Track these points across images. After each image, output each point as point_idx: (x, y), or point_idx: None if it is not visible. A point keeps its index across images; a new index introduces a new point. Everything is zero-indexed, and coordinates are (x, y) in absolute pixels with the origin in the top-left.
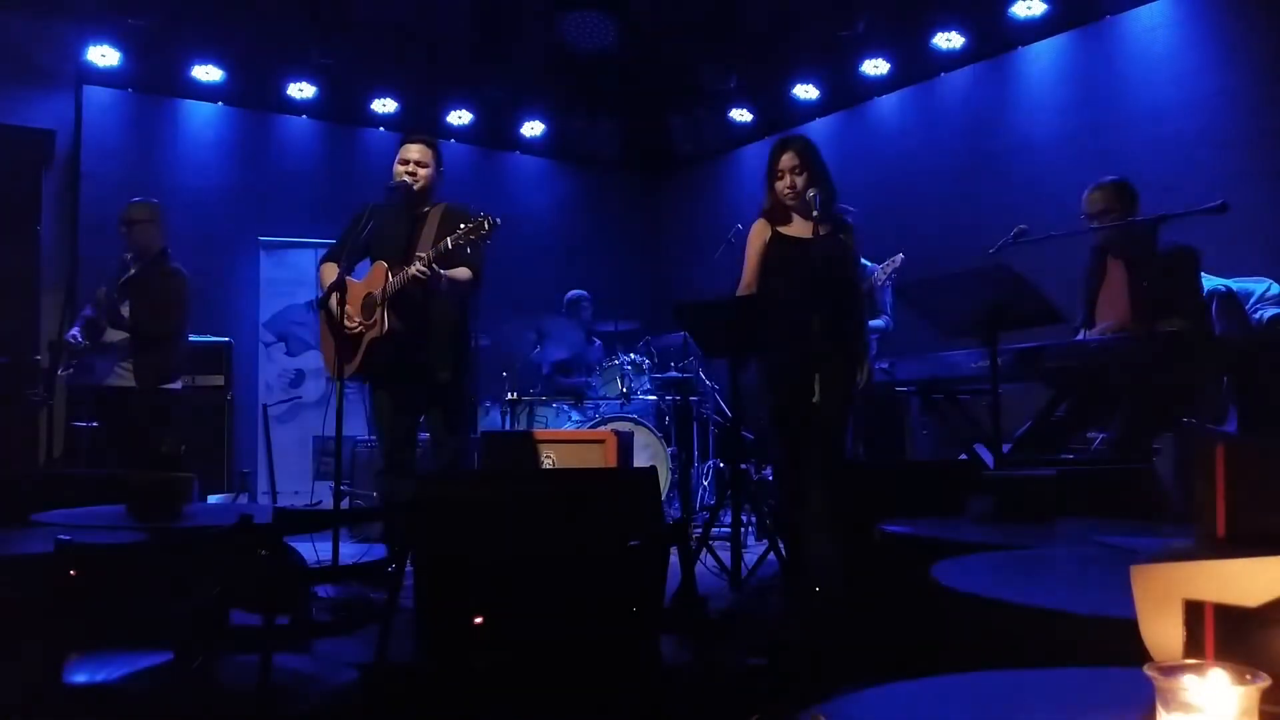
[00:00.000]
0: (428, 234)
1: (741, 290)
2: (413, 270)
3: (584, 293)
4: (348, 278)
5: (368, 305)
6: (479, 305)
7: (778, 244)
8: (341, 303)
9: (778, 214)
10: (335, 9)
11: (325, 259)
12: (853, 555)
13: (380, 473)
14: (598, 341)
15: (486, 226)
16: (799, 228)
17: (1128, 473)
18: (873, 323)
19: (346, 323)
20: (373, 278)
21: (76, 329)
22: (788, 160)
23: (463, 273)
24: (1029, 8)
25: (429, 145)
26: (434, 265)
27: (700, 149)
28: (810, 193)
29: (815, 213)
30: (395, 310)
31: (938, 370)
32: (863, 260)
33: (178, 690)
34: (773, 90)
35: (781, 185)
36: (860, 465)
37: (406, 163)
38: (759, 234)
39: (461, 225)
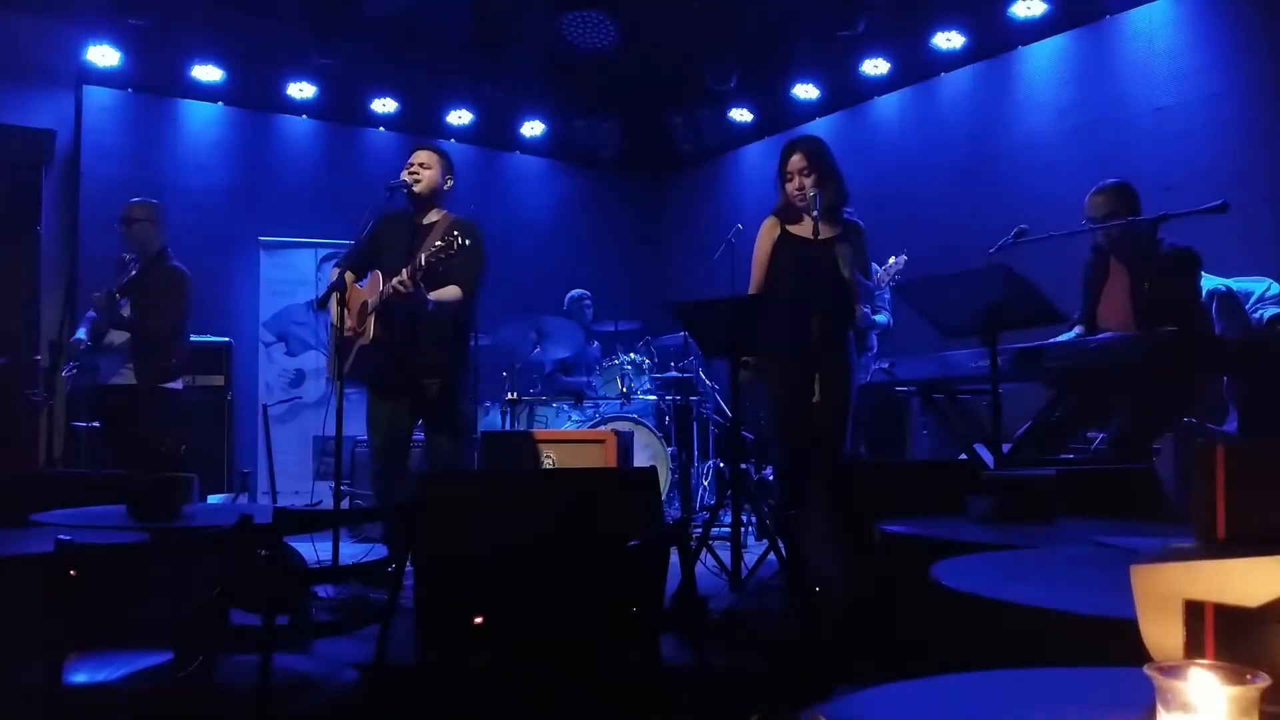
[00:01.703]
0: (429, 246)
1: (752, 289)
2: (394, 284)
3: (585, 292)
4: (355, 284)
5: (363, 312)
6: (477, 308)
7: (787, 243)
8: (341, 304)
9: (788, 213)
10: (335, 9)
11: (336, 264)
12: (853, 555)
13: (372, 474)
14: (597, 342)
15: (455, 248)
16: (808, 228)
17: (1128, 473)
18: (875, 317)
19: (345, 328)
20: (371, 286)
21: (82, 330)
22: (796, 162)
23: (450, 292)
24: (1029, 8)
25: (435, 151)
26: (418, 283)
27: (700, 149)
28: (810, 194)
29: (815, 213)
30: (383, 320)
31: (938, 370)
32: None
33: (178, 690)
34: (773, 90)
35: (791, 187)
36: (860, 465)
37: (411, 165)
38: (768, 232)
39: (438, 242)
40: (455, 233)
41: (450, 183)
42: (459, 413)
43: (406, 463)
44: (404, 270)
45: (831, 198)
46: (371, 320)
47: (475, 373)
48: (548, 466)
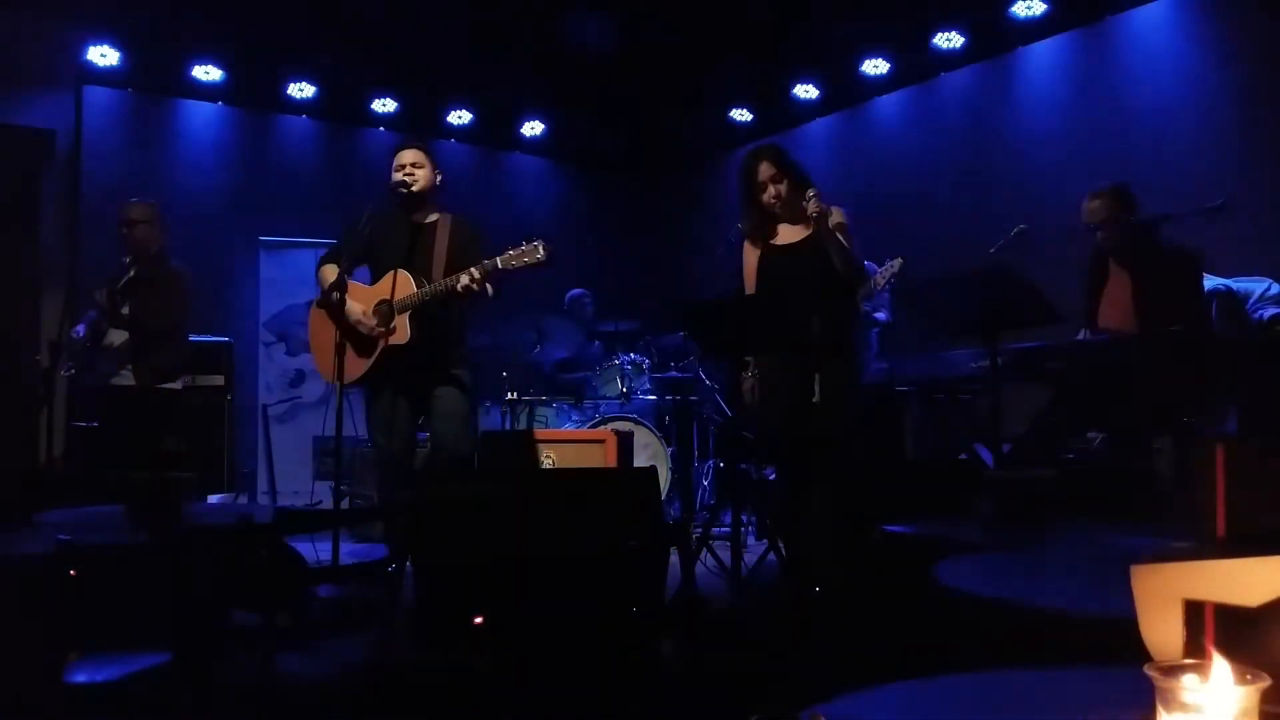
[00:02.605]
0: (440, 246)
1: None
2: (464, 282)
3: (585, 291)
4: (349, 280)
5: (381, 312)
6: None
7: (771, 255)
8: (342, 303)
9: (761, 230)
10: (335, 9)
11: (324, 260)
12: (853, 555)
13: (381, 476)
14: (598, 341)
15: (542, 254)
16: (787, 234)
17: (1128, 473)
18: (875, 314)
19: (362, 322)
20: (385, 285)
21: (82, 325)
22: (765, 170)
23: (489, 289)
24: (1029, 8)
25: (421, 149)
26: (485, 282)
27: (700, 149)
28: (810, 192)
29: (814, 215)
30: (415, 320)
31: (938, 370)
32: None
33: (178, 690)
34: (773, 90)
35: (766, 196)
36: (860, 465)
37: (402, 167)
38: (750, 254)
39: (511, 249)
40: (534, 241)
41: (440, 177)
42: (470, 407)
43: (414, 460)
44: (473, 269)
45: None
46: (404, 320)
47: (476, 371)
48: (548, 466)
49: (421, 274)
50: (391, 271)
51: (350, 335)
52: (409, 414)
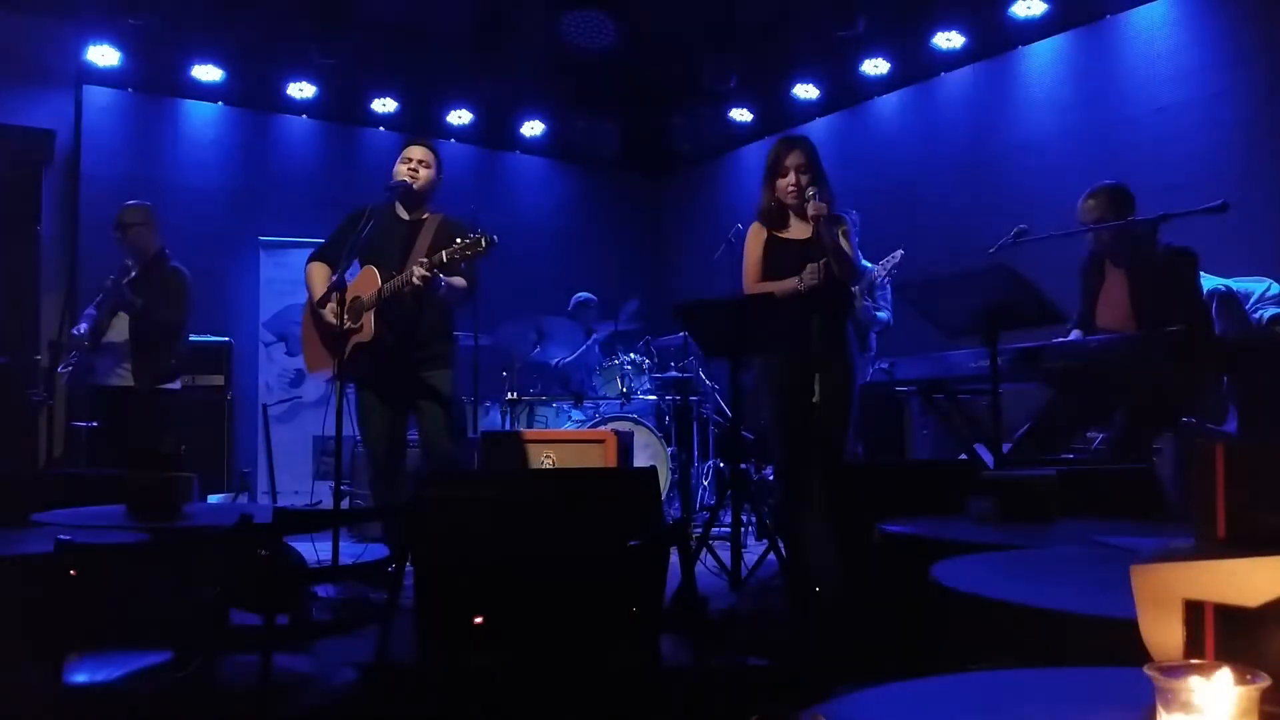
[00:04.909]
0: (423, 243)
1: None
2: (416, 277)
3: (591, 296)
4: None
5: (355, 309)
6: (473, 308)
7: (775, 247)
8: (341, 304)
9: (774, 216)
10: (335, 9)
11: (313, 258)
12: (853, 555)
13: (371, 479)
14: (598, 342)
15: (484, 244)
16: (796, 229)
17: (1128, 473)
18: (878, 314)
19: (331, 322)
20: (361, 281)
21: (83, 324)
22: (795, 159)
23: (460, 281)
24: (1029, 8)
25: (431, 149)
26: (435, 270)
27: (700, 149)
28: (810, 192)
29: (813, 216)
30: (384, 317)
31: (938, 370)
32: (862, 260)
33: (178, 690)
34: (773, 90)
35: (784, 183)
36: (860, 465)
37: (409, 161)
38: (756, 237)
39: (458, 240)
40: (476, 233)
41: (441, 178)
42: (455, 406)
43: (405, 462)
44: (418, 265)
45: (826, 199)
46: (370, 317)
47: (476, 372)
48: (547, 466)
49: (395, 271)
50: (368, 269)
51: (331, 330)
52: (390, 415)
